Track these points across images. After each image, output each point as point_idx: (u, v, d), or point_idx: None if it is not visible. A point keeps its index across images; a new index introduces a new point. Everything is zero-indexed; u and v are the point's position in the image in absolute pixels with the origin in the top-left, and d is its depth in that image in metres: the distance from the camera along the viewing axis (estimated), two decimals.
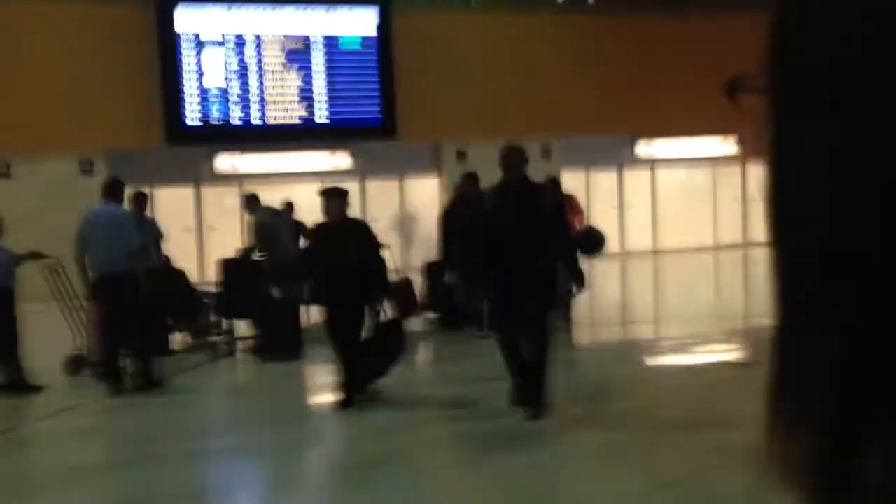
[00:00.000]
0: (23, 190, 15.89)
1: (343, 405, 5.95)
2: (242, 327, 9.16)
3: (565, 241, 5.96)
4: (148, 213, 9.40)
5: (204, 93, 17.04)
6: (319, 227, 6.47)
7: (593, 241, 8.68)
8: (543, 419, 5.29)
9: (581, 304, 12.31)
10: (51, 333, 8.16)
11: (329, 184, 6.71)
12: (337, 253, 6.06)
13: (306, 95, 17.65)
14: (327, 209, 6.24)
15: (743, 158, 21.65)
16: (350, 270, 5.98)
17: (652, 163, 21.04)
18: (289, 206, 11.60)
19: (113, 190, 7.43)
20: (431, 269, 10.08)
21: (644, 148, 20.82)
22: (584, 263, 9.00)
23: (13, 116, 15.65)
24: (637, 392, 6.40)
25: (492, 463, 4.72)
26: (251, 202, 10.21)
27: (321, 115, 17.78)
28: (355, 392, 6.01)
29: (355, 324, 6.13)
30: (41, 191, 15.89)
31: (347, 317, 6.07)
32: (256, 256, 9.69)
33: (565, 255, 5.96)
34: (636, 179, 20.99)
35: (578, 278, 6.71)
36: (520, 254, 5.43)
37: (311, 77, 17.67)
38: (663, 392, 6.33)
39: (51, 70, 15.95)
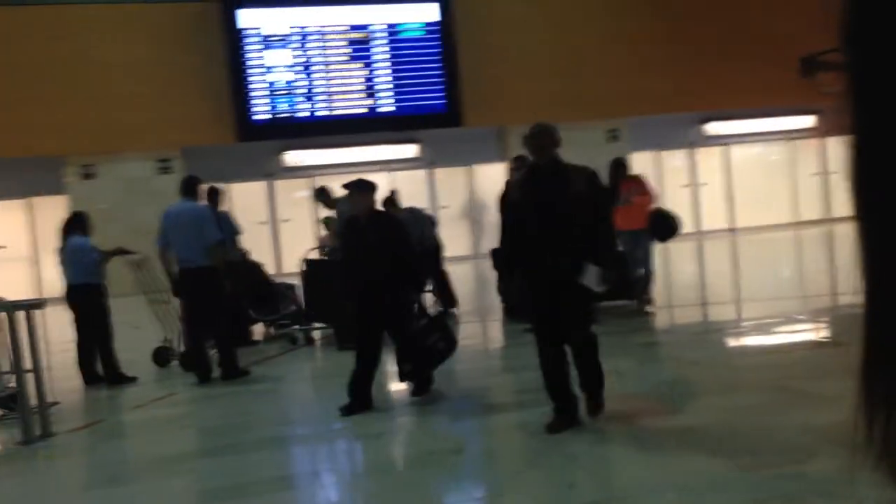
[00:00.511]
0: (106, 189, 16.45)
1: (349, 410, 5.70)
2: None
3: (605, 231, 5.05)
4: (223, 208, 9.55)
5: (271, 88, 17.32)
6: (348, 221, 6.21)
7: (664, 226, 8.96)
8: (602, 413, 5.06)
9: (658, 286, 12.15)
10: (140, 326, 8.44)
11: (356, 177, 6.18)
12: (363, 248, 5.82)
13: (371, 86, 17.78)
14: (355, 203, 5.99)
15: (822, 132, 20.98)
16: (377, 267, 5.74)
17: (724, 140, 20.54)
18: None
19: (189, 187, 7.63)
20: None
21: (715, 125, 20.34)
22: (656, 248, 9.32)
23: (94, 120, 16.19)
24: (718, 374, 6.28)
25: (562, 451, 4.70)
26: (325, 195, 9.95)
27: (387, 105, 17.89)
28: (362, 397, 5.77)
29: (381, 322, 5.84)
30: (122, 190, 16.41)
31: (374, 314, 5.80)
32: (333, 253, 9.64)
33: (605, 247, 5.05)
34: (708, 158, 20.54)
35: (615, 275, 5.39)
36: (542, 250, 4.88)
37: (374, 67, 17.78)
38: (745, 373, 6.20)
39: (126, 73, 16.44)
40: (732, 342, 7.84)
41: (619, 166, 9.40)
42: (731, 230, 20.36)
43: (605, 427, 5.01)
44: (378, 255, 5.72)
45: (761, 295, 10.64)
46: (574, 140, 18.91)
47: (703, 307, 10.32)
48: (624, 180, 9.20)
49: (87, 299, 7.69)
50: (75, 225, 7.93)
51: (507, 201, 5.60)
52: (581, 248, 4.89)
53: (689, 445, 4.53)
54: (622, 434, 4.84)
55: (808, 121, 20.79)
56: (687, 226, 20.05)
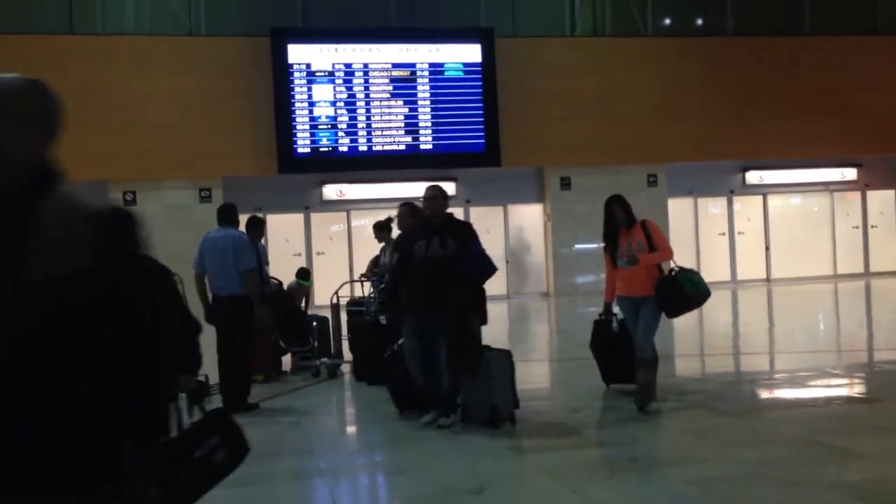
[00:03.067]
0: (146, 216, 16.70)
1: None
2: (347, 351, 9.37)
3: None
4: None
5: (313, 122, 17.60)
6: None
7: (675, 296, 6.50)
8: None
9: (691, 334, 12.03)
10: None
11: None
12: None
13: (411, 123, 17.98)
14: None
15: (862, 185, 20.76)
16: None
17: (763, 189, 20.39)
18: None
19: (227, 214, 7.68)
20: None
21: (755, 174, 20.21)
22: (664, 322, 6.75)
23: (137, 147, 16.55)
24: (748, 425, 6.18)
25: (584, 495, 4.65)
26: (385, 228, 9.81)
27: (426, 143, 18.07)
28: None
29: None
30: (162, 217, 16.70)
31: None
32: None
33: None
34: (747, 206, 20.38)
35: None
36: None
37: (416, 105, 18.01)
38: (776, 425, 6.10)
39: (172, 102, 16.81)
40: (764, 394, 7.71)
41: (614, 204, 6.80)
42: (767, 280, 20.11)
43: (629, 473, 4.95)
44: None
45: (796, 347, 10.47)
46: (612, 184, 18.98)
47: (735, 357, 10.18)
48: (625, 227, 6.67)
49: None
50: None
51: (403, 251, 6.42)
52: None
53: (715, 496, 4.46)
54: (647, 481, 4.78)
55: (849, 173, 20.58)
56: (722, 274, 20.02)
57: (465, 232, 6.31)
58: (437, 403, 6.19)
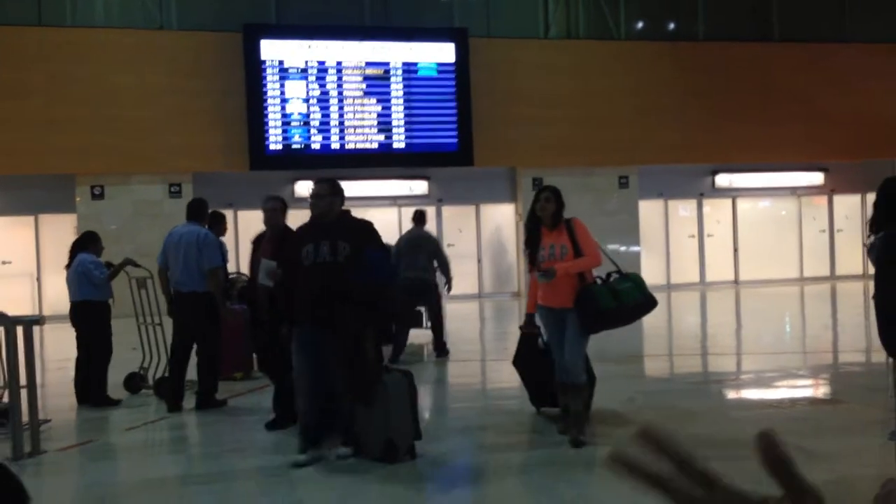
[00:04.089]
0: (115, 210, 16.55)
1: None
2: None
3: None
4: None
5: (286, 119, 17.49)
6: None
7: (592, 310, 5.43)
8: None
9: (658, 335, 12.12)
10: (137, 348, 8.43)
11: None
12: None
13: (384, 122, 17.94)
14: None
15: (828, 190, 21.05)
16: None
17: (733, 193, 20.61)
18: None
19: (195, 210, 7.61)
20: None
21: (725, 177, 20.42)
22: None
23: (106, 142, 16.34)
24: (713, 425, 6.24)
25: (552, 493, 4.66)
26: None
27: (399, 141, 18.03)
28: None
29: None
30: (131, 211, 16.50)
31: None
32: None
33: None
34: (716, 209, 20.59)
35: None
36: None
37: (389, 104, 17.96)
38: (741, 425, 6.16)
39: (142, 97, 16.62)
40: (731, 394, 7.79)
41: (542, 194, 5.83)
42: (735, 282, 20.32)
43: (593, 471, 4.97)
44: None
45: (762, 348, 10.59)
46: (584, 185, 19.14)
47: (702, 357, 10.27)
48: (548, 226, 5.66)
49: (90, 317, 7.69)
50: (86, 243, 7.96)
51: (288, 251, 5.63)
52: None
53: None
54: (607, 481, 4.80)
55: (817, 177, 20.86)
56: (692, 276, 20.20)
57: (362, 233, 5.40)
58: (335, 432, 5.51)
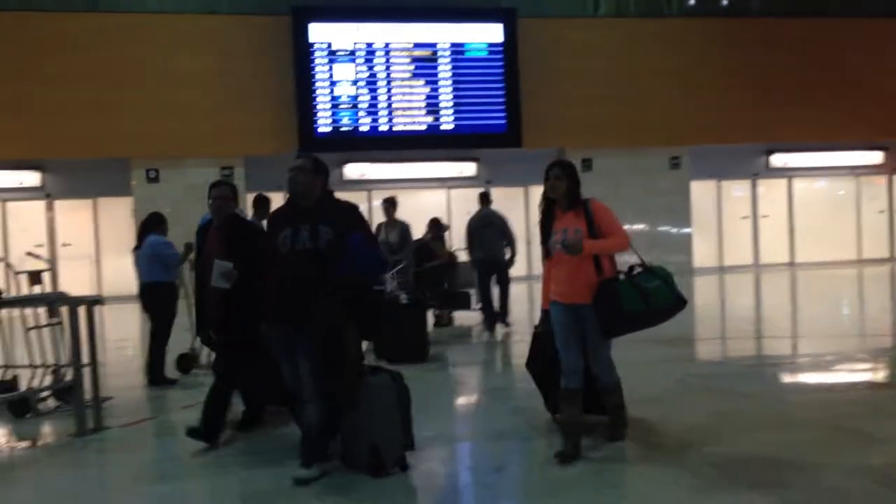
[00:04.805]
0: (169, 193, 16.86)
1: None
2: None
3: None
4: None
5: (335, 101, 17.58)
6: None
7: (612, 309, 4.77)
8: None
9: (711, 317, 11.95)
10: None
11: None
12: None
13: (433, 103, 17.93)
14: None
15: (890, 169, 20.50)
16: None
17: (789, 173, 20.18)
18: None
19: (148, 225, 8.11)
20: None
21: (780, 157, 20.00)
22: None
23: (161, 125, 16.62)
24: (769, 408, 6.15)
25: (601, 479, 4.65)
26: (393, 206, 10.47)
27: (447, 123, 18.01)
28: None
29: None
30: (184, 194, 16.78)
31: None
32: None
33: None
34: (771, 190, 20.19)
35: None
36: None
37: (437, 85, 17.94)
38: (798, 409, 6.07)
39: (194, 81, 16.85)
40: (786, 377, 7.67)
41: (553, 171, 5.01)
42: (791, 264, 19.95)
43: (649, 455, 4.94)
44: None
45: (819, 331, 10.39)
46: (634, 166, 18.93)
47: (757, 340, 10.12)
48: (562, 208, 4.99)
49: (157, 298, 7.87)
50: (154, 225, 8.13)
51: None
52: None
53: (732, 478, 4.45)
54: (665, 462, 4.77)
55: (876, 157, 20.32)
56: (745, 258, 19.88)
57: (346, 217, 4.75)
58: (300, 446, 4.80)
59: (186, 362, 8.35)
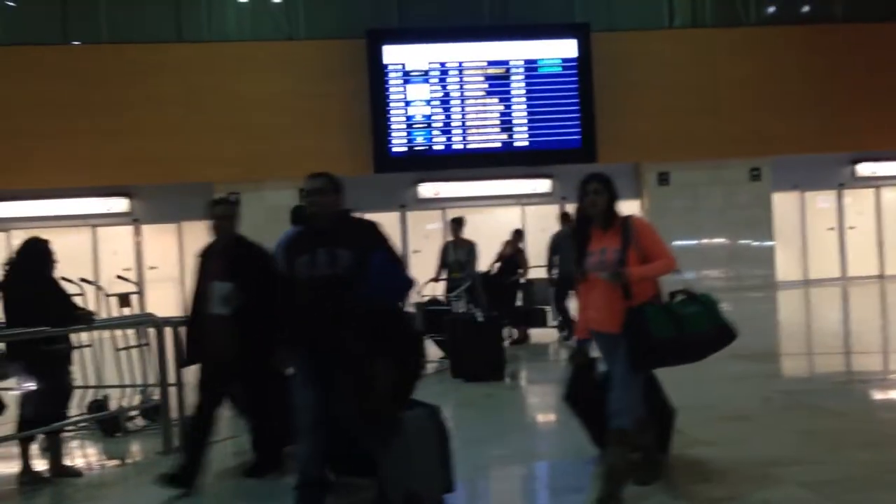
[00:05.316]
0: (249, 215, 17.19)
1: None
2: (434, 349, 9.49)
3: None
4: None
5: (409, 121, 17.77)
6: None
7: (635, 336, 4.24)
8: None
9: (797, 332, 11.57)
10: None
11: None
12: None
13: (506, 120, 17.95)
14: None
15: None
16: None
17: (876, 182, 19.47)
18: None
19: (297, 216, 8.07)
20: None
21: (867, 166, 19.31)
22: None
23: (240, 150, 17.08)
24: (861, 426, 5.91)
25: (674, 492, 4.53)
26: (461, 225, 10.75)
27: (521, 140, 17.99)
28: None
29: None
30: (263, 216, 17.14)
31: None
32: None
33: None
34: (858, 200, 19.51)
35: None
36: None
37: (511, 102, 17.97)
38: (891, 427, 5.81)
39: (272, 106, 17.28)
40: (878, 394, 7.36)
41: (590, 185, 4.47)
42: (881, 277, 19.19)
43: (735, 473, 4.80)
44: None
45: None
46: (713, 178, 18.54)
47: (846, 356, 9.75)
48: (601, 226, 4.47)
49: None
50: None
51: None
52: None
53: (831, 499, 4.28)
54: (759, 483, 4.63)
55: None
56: (831, 271, 19.21)
57: (366, 237, 4.37)
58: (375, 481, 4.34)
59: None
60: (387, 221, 19.90)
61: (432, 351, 9.97)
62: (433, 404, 4.50)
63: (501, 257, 11.60)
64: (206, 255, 5.29)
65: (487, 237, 12.28)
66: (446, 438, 4.42)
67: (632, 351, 4.22)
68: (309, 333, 4.29)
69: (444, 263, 10.51)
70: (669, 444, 5.03)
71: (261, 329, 4.75)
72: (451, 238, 10.66)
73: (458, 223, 10.73)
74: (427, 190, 18.60)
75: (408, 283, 4.40)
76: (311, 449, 4.38)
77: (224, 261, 5.09)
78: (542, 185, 18.77)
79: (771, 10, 19.58)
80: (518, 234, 11.91)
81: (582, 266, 4.46)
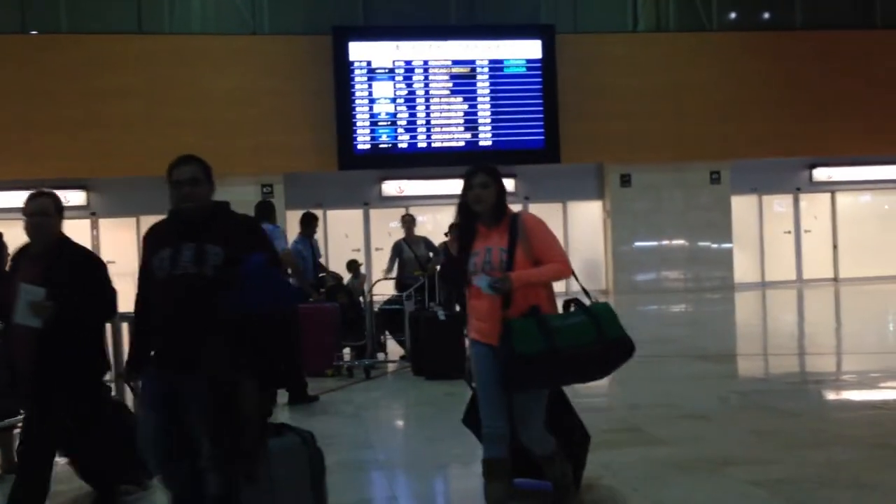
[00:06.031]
0: None
1: None
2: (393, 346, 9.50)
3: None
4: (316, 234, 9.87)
5: (374, 119, 17.74)
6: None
7: (502, 353, 3.67)
8: None
9: (753, 334, 11.76)
10: None
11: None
12: None
13: (471, 120, 18.00)
14: None
15: None
16: None
17: (832, 187, 19.87)
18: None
19: (261, 211, 8.29)
20: None
21: (823, 171, 19.69)
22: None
23: (202, 145, 16.84)
24: (815, 426, 6.03)
25: (648, 496, 4.59)
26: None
27: (485, 139, 18.05)
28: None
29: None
30: None
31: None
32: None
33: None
34: (814, 204, 19.89)
35: None
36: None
37: (475, 101, 18.02)
38: (844, 427, 5.94)
39: (235, 100, 17.11)
40: (831, 395, 7.52)
41: (476, 177, 4.11)
42: (835, 280, 19.59)
43: (692, 473, 4.87)
44: None
45: (864, 348, 10.18)
46: (674, 181, 18.78)
47: (800, 357, 9.94)
48: (485, 224, 3.95)
49: None
50: None
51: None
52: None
53: (782, 498, 4.36)
54: (711, 482, 4.70)
55: None
56: (787, 274, 19.56)
57: (245, 236, 3.68)
58: None
59: None
60: (350, 218, 20.08)
61: (392, 349, 10.00)
62: (307, 431, 3.75)
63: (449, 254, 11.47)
64: (20, 259, 4.47)
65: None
66: (321, 469, 3.70)
67: (501, 367, 3.65)
68: (160, 344, 3.57)
69: (401, 262, 10.41)
70: (582, 472, 4.46)
71: (78, 347, 4.12)
72: (402, 236, 10.59)
73: (409, 220, 10.69)
74: (391, 188, 18.58)
75: (293, 293, 3.84)
76: (164, 476, 3.64)
77: (41, 265, 4.24)
78: (506, 185, 18.79)
79: (733, 16, 19.88)
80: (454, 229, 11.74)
81: (465, 266, 3.85)
